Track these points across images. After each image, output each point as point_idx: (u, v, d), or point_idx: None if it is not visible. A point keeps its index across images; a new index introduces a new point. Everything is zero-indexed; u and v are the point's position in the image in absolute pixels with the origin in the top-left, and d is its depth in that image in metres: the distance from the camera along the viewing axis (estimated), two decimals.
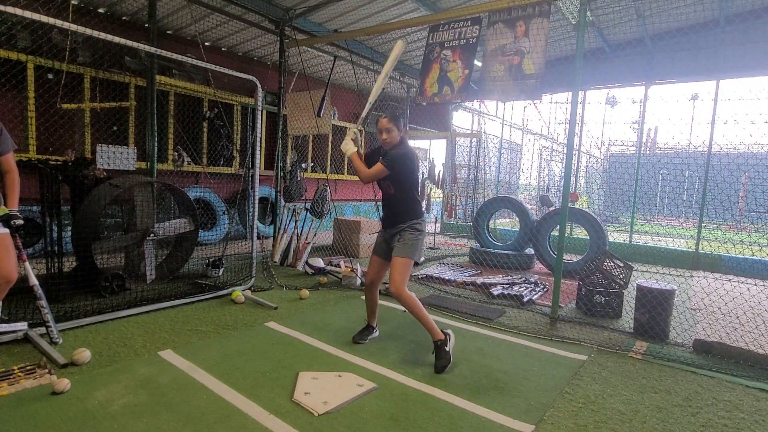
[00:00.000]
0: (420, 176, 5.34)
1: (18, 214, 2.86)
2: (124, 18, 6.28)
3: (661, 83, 8.59)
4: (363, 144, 10.04)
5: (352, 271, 5.18)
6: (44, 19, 3.07)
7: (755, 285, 6.11)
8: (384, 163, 3.06)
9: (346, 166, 9.44)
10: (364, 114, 3.31)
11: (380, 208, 3.36)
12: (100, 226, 4.44)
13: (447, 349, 2.98)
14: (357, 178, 9.65)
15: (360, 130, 3.27)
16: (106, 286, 4.10)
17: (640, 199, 8.97)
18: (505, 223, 12.11)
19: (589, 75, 8.43)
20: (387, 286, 4.55)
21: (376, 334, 3.51)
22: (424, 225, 3.23)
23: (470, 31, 4.66)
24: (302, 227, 6.15)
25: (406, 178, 3.14)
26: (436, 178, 9.24)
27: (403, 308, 4.29)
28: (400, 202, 3.17)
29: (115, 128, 5.95)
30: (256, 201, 4.94)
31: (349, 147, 3.16)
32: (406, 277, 3.06)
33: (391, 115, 3.12)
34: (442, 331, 3.05)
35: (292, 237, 6.07)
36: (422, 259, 6.58)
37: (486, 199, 8.60)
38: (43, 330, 3.03)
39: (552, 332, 3.82)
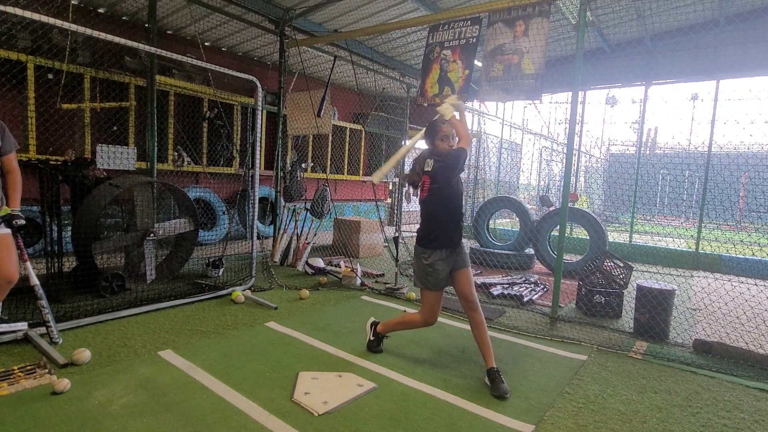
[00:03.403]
0: None
1: (20, 214, 2.87)
2: (124, 18, 6.28)
3: (661, 83, 8.60)
4: (363, 146, 10.00)
5: (352, 271, 5.18)
6: (44, 19, 3.07)
7: (755, 285, 6.11)
8: (454, 152, 2.82)
9: (346, 166, 9.43)
10: (388, 168, 3.08)
11: (432, 222, 2.85)
12: (100, 226, 4.44)
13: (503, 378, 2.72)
14: (357, 178, 9.79)
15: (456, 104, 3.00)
16: (106, 286, 4.10)
17: (640, 199, 8.99)
18: (505, 223, 12.10)
19: (589, 75, 8.44)
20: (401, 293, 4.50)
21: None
22: None
23: (470, 31, 4.66)
24: (302, 227, 6.16)
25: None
26: None
27: (404, 308, 4.31)
28: (459, 208, 2.87)
29: (115, 128, 5.95)
30: (256, 201, 4.94)
31: (449, 111, 2.93)
32: None
33: (448, 123, 2.94)
34: None
35: (292, 237, 6.08)
36: None
37: (486, 199, 8.60)
38: (43, 330, 3.04)
39: (552, 332, 3.82)
